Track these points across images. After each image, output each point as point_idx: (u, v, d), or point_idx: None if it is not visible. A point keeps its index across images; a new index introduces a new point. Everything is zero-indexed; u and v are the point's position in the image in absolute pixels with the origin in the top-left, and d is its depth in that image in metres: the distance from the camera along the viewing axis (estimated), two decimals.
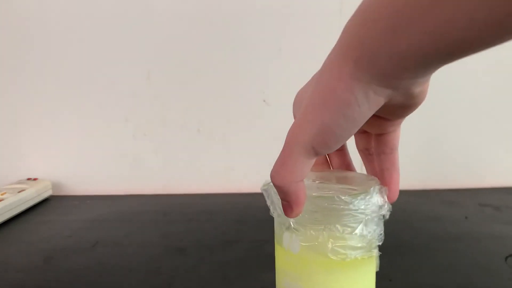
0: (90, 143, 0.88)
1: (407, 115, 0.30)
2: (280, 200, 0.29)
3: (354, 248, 0.30)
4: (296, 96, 0.32)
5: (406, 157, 0.86)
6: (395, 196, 0.33)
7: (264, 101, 0.85)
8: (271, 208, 0.33)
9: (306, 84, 0.31)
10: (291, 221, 0.31)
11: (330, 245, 0.30)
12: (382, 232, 0.32)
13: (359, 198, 0.30)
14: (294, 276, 0.32)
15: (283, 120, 0.86)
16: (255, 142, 0.86)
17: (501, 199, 0.77)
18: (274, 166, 0.28)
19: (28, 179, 0.85)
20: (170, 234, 0.63)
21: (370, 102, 0.25)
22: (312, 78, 0.30)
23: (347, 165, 0.37)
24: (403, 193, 0.86)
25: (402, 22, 0.22)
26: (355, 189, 0.31)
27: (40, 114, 0.87)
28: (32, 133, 0.88)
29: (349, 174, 0.36)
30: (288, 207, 0.29)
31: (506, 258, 0.52)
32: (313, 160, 0.28)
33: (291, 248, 0.32)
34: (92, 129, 0.87)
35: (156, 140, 0.87)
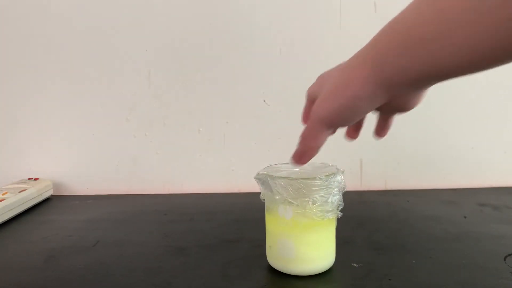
0: (91, 143, 0.88)
1: (402, 112, 0.40)
2: (297, 148, 0.40)
3: (328, 211, 0.46)
4: (320, 77, 0.40)
5: (406, 157, 0.87)
6: (384, 135, 0.45)
7: (264, 101, 0.85)
8: (262, 192, 0.48)
9: (332, 69, 0.39)
10: (287, 197, 0.45)
11: (314, 210, 0.45)
12: (342, 200, 0.48)
13: (329, 178, 0.46)
14: (287, 235, 0.47)
15: (283, 120, 0.87)
16: (255, 142, 0.87)
17: (500, 199, 0.77)
18: (303, 132, 0.39)
19: (29, 178, 0.85)
20: (171, 233, 0.63)
21: (373, 100, 0.33)
22: (339, 66, 0.37)
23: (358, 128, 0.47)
24: (402, 193, 0.86)
25: (405, 49, 0.30)
26: (325, 173, 0.46)
27: (41, 114, 0.87)
28: (33, 133, 0.88)
29: (316, 163, 0.50)
30: (299, 155, 0.40)
31: (505, 257, 0.52)
32: (330, 130, 0.37)
33: (285, 216, 0.46)
34: (93, 129, 0.88)
35: (156, 140, 0.88)
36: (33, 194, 0.77)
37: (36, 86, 0.87)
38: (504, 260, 0.51)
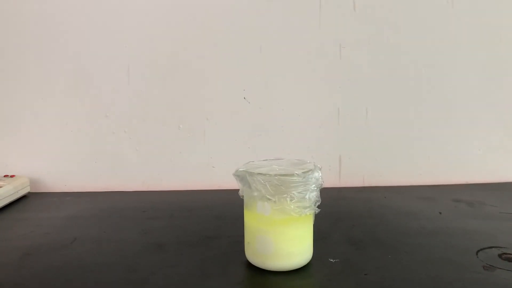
0: (69, 139, 0.87)
1: None
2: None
3: (306, 207, 0.47)
4: None
5: (384, 154, 0.88)
6: None
7: (244, 98, 0.86)
8: (241, 189, 0.49)
9: None
10: (265, 194, 0.46)
11: (292, 206, 0.46)
12: (319, 196, 0.48)
13: (307, 174, 0.47)
14: (265, 231, 0.47)
15: (263, 118, 0.87)
16: (236, 139, 0.87)
17: (474, 195, 0.79)
18: None
19: (5, 176, 0.83)
20: (150, 230, 0.63)
21: None
22: None
23: None
24: (379, 189, 0.87)
25: None
26: (303, 170, 0.47)
27: (18, 110, 0.86)
28: (9, 129, 0.86)
29: (294, 160, 0.53)
30: None
31: (477, 252, 0.53)
32: None
33: (263, 212, 0.47)
34: (71, 125, 0.86)
35: (136, 137, 0.87)
36: (9, 191, 0.76)
37: (12, 82, 0.85)
38: (476, 254, 0.53)
